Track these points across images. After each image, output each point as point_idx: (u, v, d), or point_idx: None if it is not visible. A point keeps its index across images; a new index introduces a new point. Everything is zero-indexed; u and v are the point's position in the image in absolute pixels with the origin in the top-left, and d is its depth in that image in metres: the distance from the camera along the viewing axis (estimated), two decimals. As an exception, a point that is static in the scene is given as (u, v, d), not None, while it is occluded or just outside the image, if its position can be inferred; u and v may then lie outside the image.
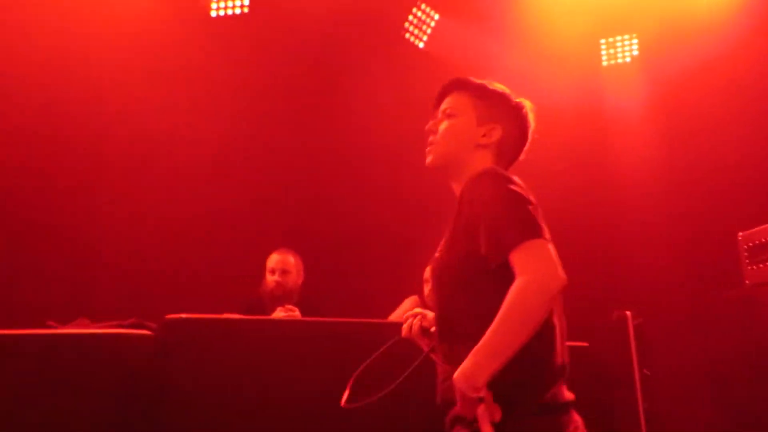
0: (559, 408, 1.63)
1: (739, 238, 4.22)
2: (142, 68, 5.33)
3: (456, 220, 1.72)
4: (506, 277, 1.56)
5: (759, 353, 3.86)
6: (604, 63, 6.35)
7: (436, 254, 1.78)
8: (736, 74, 5.56)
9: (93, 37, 5.20)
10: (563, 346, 1.70)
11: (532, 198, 1.68)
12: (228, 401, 2.82)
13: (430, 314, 1.88)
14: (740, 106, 5.53)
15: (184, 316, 2.87)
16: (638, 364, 3.33)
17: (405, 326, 1.91)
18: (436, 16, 6.12)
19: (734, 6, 5.68)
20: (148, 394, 2.81)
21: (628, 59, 6.31)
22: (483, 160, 1.81)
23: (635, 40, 6.29)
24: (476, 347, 1.52)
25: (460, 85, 1.92)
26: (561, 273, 1.55)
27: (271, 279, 4.30)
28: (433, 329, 1.84)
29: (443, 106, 1.91)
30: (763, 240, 4.09)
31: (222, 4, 5.77)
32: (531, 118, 1.92)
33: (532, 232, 1.58)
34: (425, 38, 6.12)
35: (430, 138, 1.88)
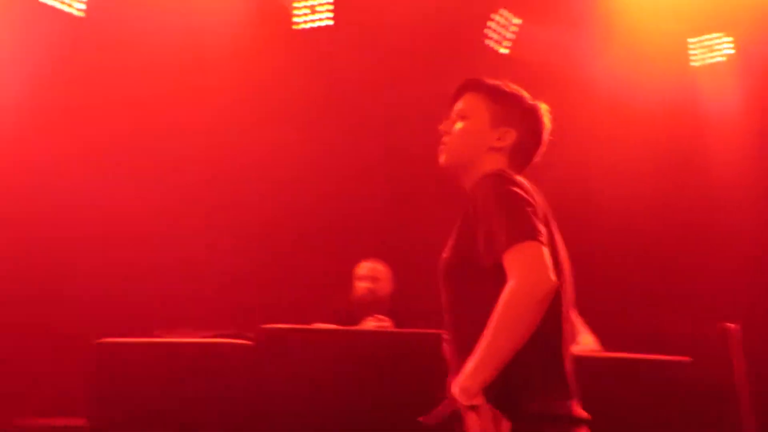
0: (568, 421, 1.59)
1: None
2: (229, 84, 5.50)
3: (461, 220, 1.71)
4: (502, 278, 1.54)
5: None
6: (694, 63, 6.15)
7: (443, 254, 1.76)
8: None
9: (179, 55, 5.39)
10: (568, 352, 1.66)
11: (534, 200, 1.66)
12: (321, 409, 2.89)
13: None
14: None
15: (279, 326, 2.96)
16: (744, 380, 3.19)
17: None
18: (517, 21, 6.07)
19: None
20: (246, 401, 2.91)
21: (721, 59, 6.08)
22: (495, 163, 1.79)
23: (728, 39, 6.06)
24: (472, 356, 1.51)
25: (475, 85, 1.89)
26: (550, 276, 1.52)
27: (360, 286, 4.31)
28: None
29: (458, 106, 1.88)
30: None
31: (306, 18, 5.89)
32: (546, 120, 1.87)
33: (525, 233, 1.55)
34: (507, 44, 6.08)
35: (444, 138, 1.86)
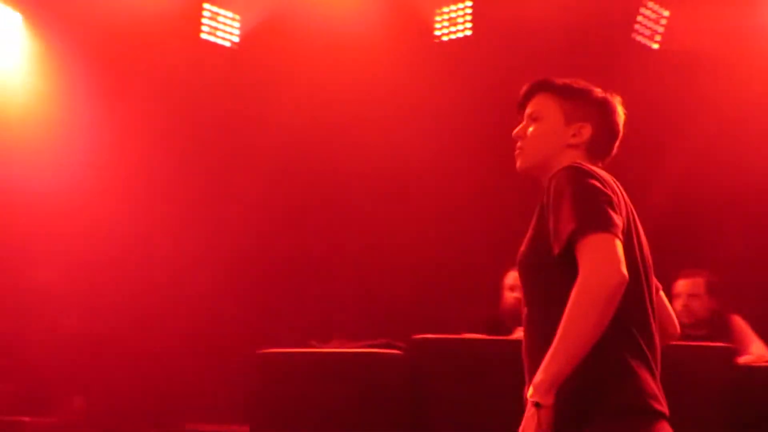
0: (643, 412, 1.55)
1: None
2: (375, 100, 5.64)
3: (537, 212, 1.69)
4: (575, 270, 1.52)
5: None
6: None
7: (520, 248, 1.74)
8: None
9: (323, 74, 5.59)
10: (653, 347, 1.62)
11: (613, 190, 1.62)
12: (473, 418, 2.88)
13: None
14: None
15: (430, 336, 2.99)
16: None
17: None
18: (666, 13, 5.78)
19: None
20: (399, 410, 2.95)
21: None
22: (573, 159, 1.75)
23: None
24: (547, 352, 1.49)
25: (543, 86, 1.86)
26: (621, 270, 1.48)
27: (510, 296, 4.27)
28: None
29: (528, 109, 1.86)
30: None
31: (446, 30, 5.93)
32: (620, 110, 1.84)
33: (597, 224, 1.52)
34: (658, 38, 5.80)
35: (519, 143, 1.84)
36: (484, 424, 2.83)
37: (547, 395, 1.47)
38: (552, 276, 1.60)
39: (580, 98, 1.83)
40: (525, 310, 1.71)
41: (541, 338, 1.56)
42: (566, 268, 1.55)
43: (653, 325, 1.65)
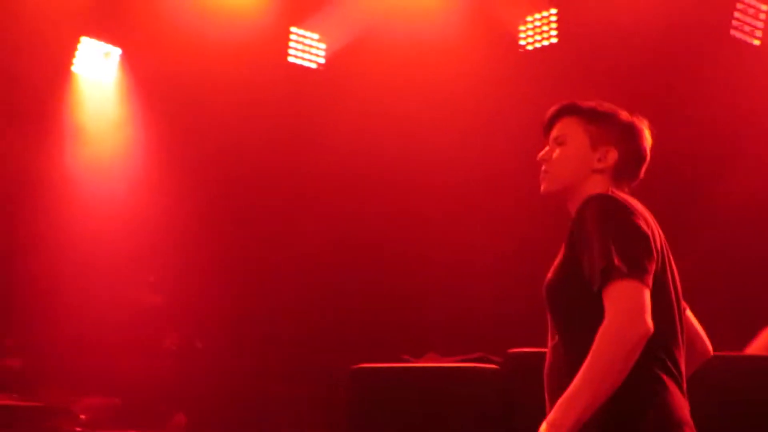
0: None
1: None
2: (462, 113, 5.62)
3: (566, 242, 1.69)
4: (602, 308, 1.54)
5: None
6: None
7: (548, 275, 1.75)
8: None
9: (413, 90, 5.61)
10: (681, 371, 1.63)
11: (646, 222, 1.62)
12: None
13: None
14: None
15: (526, 350, 2.92)
16: None
17: None
18: (765, 8, 5.50)
19: None
20: (495, 426, 2.89)
21: None
22: (599, 184, 1.75)
23: None
24: (566, 391, 1.51)
25: (569, 110, 1.86)
26: (646, 322, 1.49)
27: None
28: None
29: (554, 133, 1.85)
30: None
31: (531, 39, 5.86)
32: (647, 134, 1.83)
33: (627, 270, 1.53)
34: (759, 33, 5.52)
35: (544, 167, 1.84)
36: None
37: None
38: (581, 306, 1.61)
39: (606, 122, 1.82)
40: (551, 335, 1.72)
41: (567, 364, 1.60)
42: (596, 301, 1.56)
43: (682, 351, 1.66)
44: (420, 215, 5.57)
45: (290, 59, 5.82)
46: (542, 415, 2.79)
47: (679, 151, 5.39)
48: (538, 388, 2.85)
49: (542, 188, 1.85)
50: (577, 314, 1.64)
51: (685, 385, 1.65)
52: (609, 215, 1.61)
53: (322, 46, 5.85)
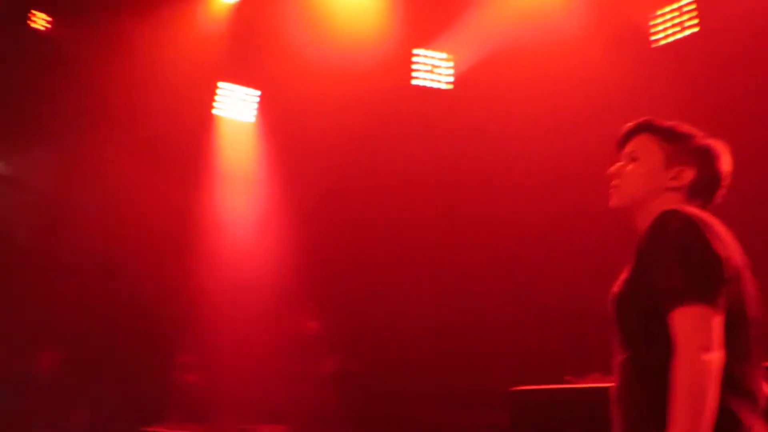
0: None
1: None
2: (589, 106, 5.46)
3: (636, 258, 1.65)
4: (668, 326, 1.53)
5: None
6: None
7: (614, 289, 1.71)
8: None
9: (540, 92, 5.51)
10: (759, 388, 1.58)
11: (721, 241, 1.58)
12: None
13: None
14: None
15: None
16: None
17: None
18: None
19: None
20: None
21: None
22: (672, 202, 1.71)
23: None
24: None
25: (645, 127, 1.82)
26: (713, 349, 1.49)
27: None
28: None
29: (628, 149, 1.83)
30: None
31: (665, 32, 5.63)
32: (726, 158, 1.78)
33: (698, 294, 1.51)
34: None
35: (614, 181, 1.81)
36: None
37: None
38: (650, 323, 1.59)
39: (683, 142, 1.80)
40: (618, 351, 1.68)
41: (639, 383, 1.58)
42: (664, 320, 1.54)
43: (758, 372, 1.62)
44: (576, 229, 5.41)
45: (414, 82, 5.87)
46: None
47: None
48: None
49: (612, 203, 1.83)
50: (646, 331, 1.60)
51: (763, 404, 1.60)
52: (681, 234, 1.59)
53: (450, 64, 5.85)
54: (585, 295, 5.16)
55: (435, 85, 5.89)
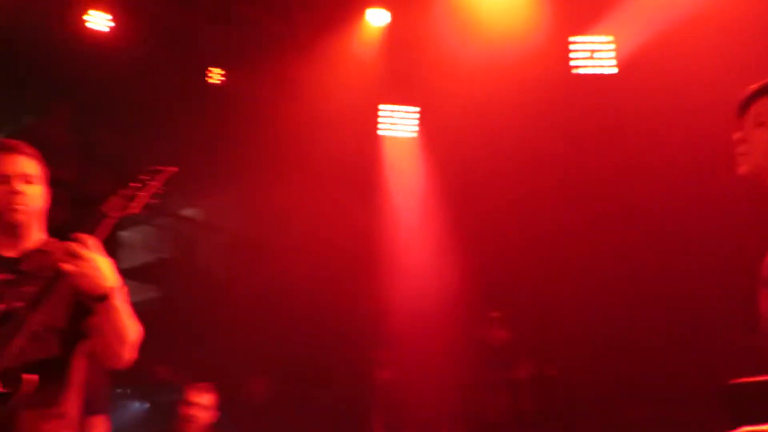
0: None
1: None
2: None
3: None
4: None
5: None
6: None
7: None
8: None
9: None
10: None
11: None
12: None
13: None
14: None
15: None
16: None
17: None
18: None
19: None
20: None
21: None
22: None
23: None
24: None
25: None
26: None
27: None
28: None
29: (753, 113, 1.71)
30: None
31: None
32: None
33: None
34: None
35: (741, 147, 1.71)
36: None
37: None
38: None
39: None
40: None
41: None
42: None
43: None
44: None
45: (574, 71, 5.68)
46: None
47: None
48: None
49: (741, 169, 1.74)
50: None
51: None
52: None
53: (612, 47, 5.59)
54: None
55: (597, 71, 5.66)
